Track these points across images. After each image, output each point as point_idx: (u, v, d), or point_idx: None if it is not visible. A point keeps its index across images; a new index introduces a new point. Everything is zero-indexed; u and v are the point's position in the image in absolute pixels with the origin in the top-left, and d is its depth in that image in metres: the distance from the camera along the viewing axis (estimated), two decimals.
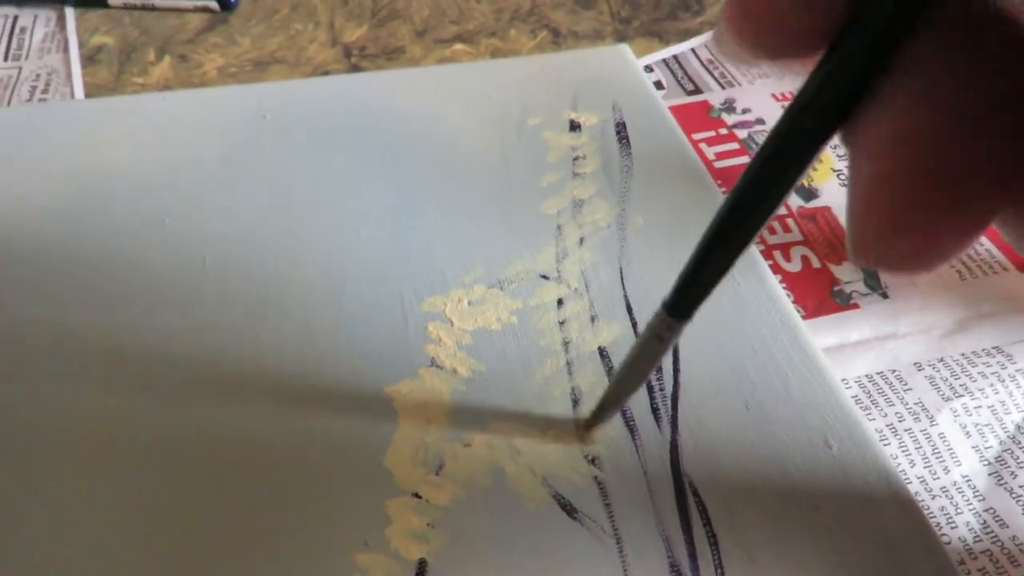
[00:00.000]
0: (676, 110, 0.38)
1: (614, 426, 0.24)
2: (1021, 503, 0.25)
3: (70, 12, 0.43)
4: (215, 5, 0.42)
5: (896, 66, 0.10)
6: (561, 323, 0.27)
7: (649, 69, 0.42)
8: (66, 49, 0.40)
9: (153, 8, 0.42)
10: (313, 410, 0.24)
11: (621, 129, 0.34)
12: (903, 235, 0.11)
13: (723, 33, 0.12)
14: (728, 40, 0.12)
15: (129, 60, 0.40)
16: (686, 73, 0.42)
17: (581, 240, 0.29)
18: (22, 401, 0.24)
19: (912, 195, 0.10)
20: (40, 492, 0.23)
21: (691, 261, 0.17)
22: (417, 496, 0.23)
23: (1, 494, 0.23)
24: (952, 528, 0.25)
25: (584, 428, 0.24)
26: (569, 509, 0.23)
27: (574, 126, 0.34)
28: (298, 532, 0.22)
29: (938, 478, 0.26)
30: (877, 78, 0.11)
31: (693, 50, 0.43)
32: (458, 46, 0.42)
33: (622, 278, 0.28)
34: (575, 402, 0.25)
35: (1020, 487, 0.25)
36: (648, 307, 0.27)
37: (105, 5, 0.42)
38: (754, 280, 0.28)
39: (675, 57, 0.43)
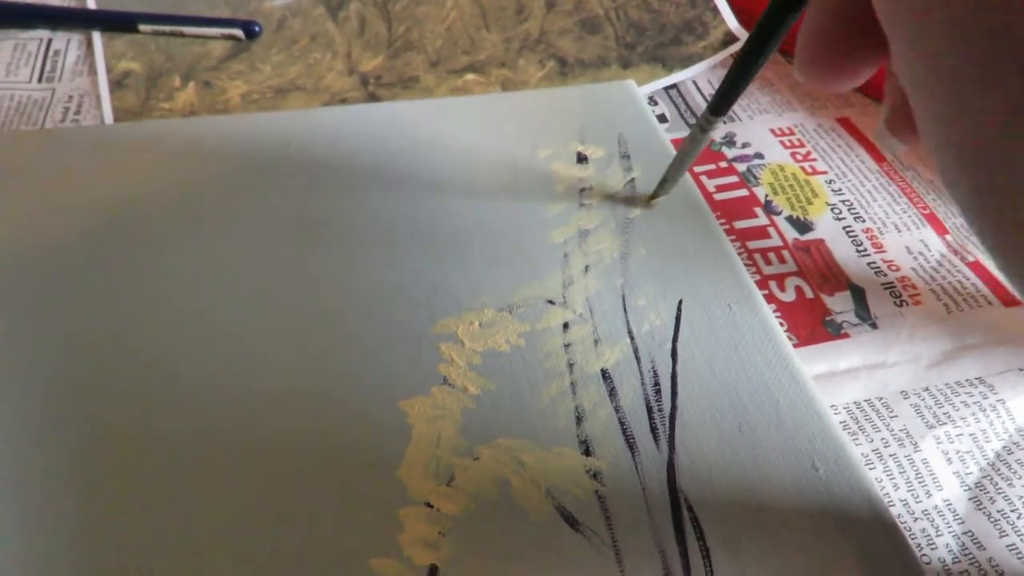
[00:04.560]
0: (679, 143, 0.40)
1: (615, 443, 0.26)
2: (999, 527, 0.26)
3: (97, 37, 0.44)
4: (240, 33, 0.44)
5: None
6: (566, 346, 0.28)
7: (653, 102, 0.43)
8: (95, 72, 0.42)
9: (181, 35, 0.44)
10: (332, 424, 0.26)
11: (626, 162, 0.35)
12: (824, 60, 0.19)
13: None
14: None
15: (155, 85, 0.42)
16: (688, 107, 0.43)
17: (586, 268, 0.31)
18: (29, 416, 0.26)
19: (830, 39, 0.18)
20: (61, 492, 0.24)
21: (723, 82, 0.27)
22: (429, 506, 0.24)
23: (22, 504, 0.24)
24: (932, 549, 0.26)
25: (648, 199, 0.34)
26: (571, 521, 0.24)
27: (581, 158, 0.35)
28: (316, 538, 0.23)
29: (920, 501, 0.27)
30: None
31: (694, 82, 0.45)
32: (470, 76, 0.44)
33: (624, 305, 0.30)
34: (578, 420, 0.26)
35: (998, 511, 0.27)
36: (648, 333, 0.29)
37: (135, 30, 0.44)
38: (749, 311, 0.30)
39: (677, 88, 0.44)
